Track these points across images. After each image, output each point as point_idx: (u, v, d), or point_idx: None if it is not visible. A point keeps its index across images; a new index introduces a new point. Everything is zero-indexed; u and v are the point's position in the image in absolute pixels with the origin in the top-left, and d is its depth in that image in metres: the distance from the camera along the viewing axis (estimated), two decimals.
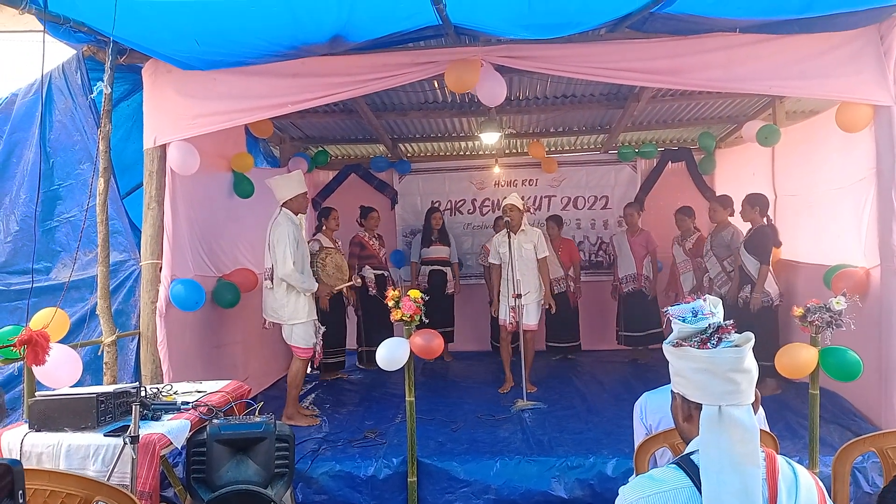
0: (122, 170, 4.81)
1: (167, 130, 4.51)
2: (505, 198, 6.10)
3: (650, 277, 7.25)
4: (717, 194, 7.05)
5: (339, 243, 6.45)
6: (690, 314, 1.62)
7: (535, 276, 5.95)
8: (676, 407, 1.67)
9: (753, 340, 1.54)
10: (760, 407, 1.64)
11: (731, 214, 6.03)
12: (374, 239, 7.16)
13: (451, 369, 7.28)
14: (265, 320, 5.09)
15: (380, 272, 7.09)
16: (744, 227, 5.87)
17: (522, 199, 8.22)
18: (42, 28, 3.69)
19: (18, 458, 2.72)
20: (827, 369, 3.49)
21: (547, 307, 6.11)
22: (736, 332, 1.57)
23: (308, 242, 5.89)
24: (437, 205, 8.14)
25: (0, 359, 3.54)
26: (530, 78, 5.78)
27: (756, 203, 5.61)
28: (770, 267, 5.49)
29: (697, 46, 4.30)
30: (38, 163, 4.47)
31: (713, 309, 1.63)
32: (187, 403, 3.27)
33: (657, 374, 6.13)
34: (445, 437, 4.72)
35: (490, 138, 7.33)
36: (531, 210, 8.32)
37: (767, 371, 5.04)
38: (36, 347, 3.00)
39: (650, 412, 2.76)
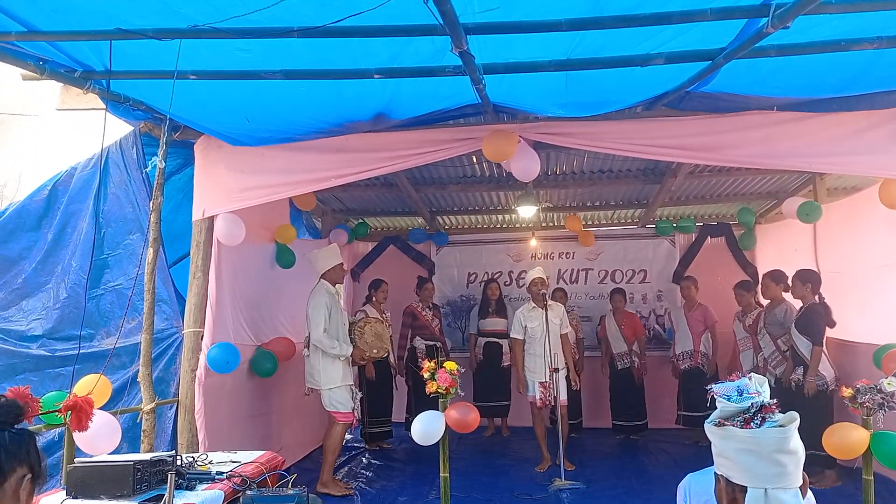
0: (171, 240, 4.96)
1: (216, 203, 4.68)
2: (529, 271, 6.15)
3: (708, 354, 6.91)
4: (762, 270, 6.80)
5: (388, 314, 6.52)
6: (735, 393, 1.58)
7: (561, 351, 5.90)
8: (721, 490, 1.62)
9: (798, 420, 1.50)
10: (809, 491, 1.58)
11: (786, 290, 5.76)
12: (427, 310, 7.25)
13: (490, 445, 7.13)
14: (307, 387, 5.24)
15: (431, 343, 7.13)
16: (795, 304, 5.69)
17: (559, 272, 8.26)
18: (104, 106, 3.91)
19: None
20: (879, 456, 3.32)
21: (573, 384, 6.06)
22: (780, 411, 1.53)
23: (356, 313, 6.25)
24: (473, 276, 8.25)
25: (43, 424, 3.60)
26: (567, 153, 5.87)
27: (808, 279, 5.41)
28: (824, 348, 5.26)
29: (735, 124, 4.32)
30: (93, 233, 4.66)
31: (759, 388, 1.59)
32: (221, 473, 3.25)
33: (710, 456, 5.88)
34: None
35: (527, 212, 7.42)
36: (569, 282, 8.28)
37: (825, 461, 4.82)
38: (80, 413, 3.03)
39: (694, 495, 2.64)
